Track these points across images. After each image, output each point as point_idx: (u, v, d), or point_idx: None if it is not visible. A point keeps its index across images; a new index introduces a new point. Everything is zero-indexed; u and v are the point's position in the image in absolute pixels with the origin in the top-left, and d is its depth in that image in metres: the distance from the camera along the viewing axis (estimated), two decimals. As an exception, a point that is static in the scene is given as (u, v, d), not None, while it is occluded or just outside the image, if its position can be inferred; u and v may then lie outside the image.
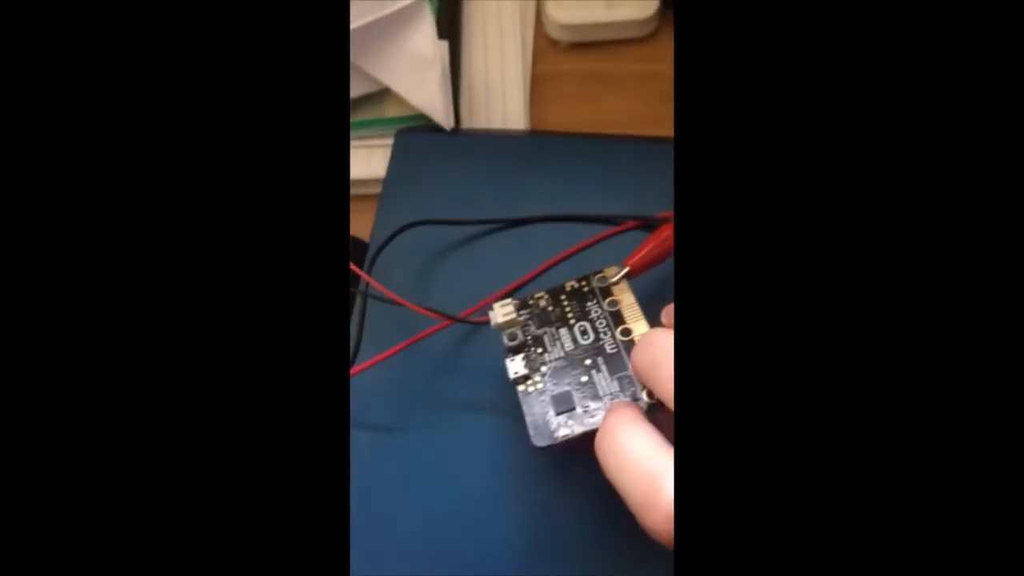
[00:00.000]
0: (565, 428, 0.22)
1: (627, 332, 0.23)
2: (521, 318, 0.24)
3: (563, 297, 0.24)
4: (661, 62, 0.37)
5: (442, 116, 0.32)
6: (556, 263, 0.28)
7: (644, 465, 0.17)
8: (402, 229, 0.28)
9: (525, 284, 0.28)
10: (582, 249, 0.29)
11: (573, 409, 0.22)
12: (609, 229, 0.29)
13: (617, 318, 0.23)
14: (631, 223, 0.29)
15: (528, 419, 0.22)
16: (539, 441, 0.21)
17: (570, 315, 0.24)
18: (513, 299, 0.24)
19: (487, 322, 0.24)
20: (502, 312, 0.24)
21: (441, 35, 0.34)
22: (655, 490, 0.17)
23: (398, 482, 0.26)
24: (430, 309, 0.25)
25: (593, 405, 0.22)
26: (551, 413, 0.22)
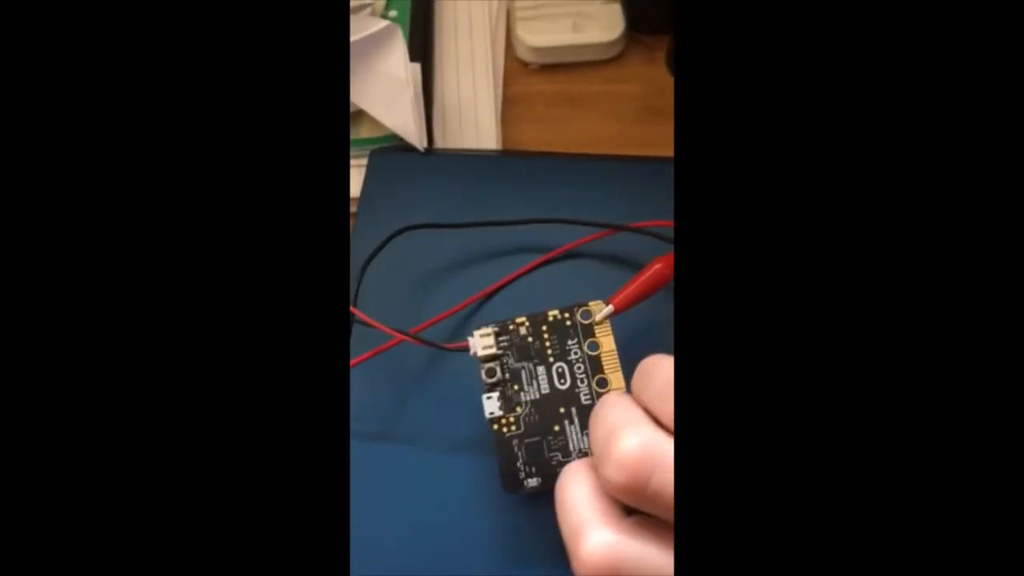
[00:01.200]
0: (533, 480, 0.23)
1: (603, 383, 0.23)
2: (500, 349, 0.24)
3: (544, 328, 0.24)
4: (627, 82, 0.38)
5: (415, 137, 0.32)
6: (541, 264, 0.30)
7: (575, 515, 0.19)
8: (393, 236, 0.29)
9: (509, 283, 0.29)
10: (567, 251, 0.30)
11: (543, 462, 0.23)
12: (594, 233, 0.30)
13: (596, 364, 0.24)
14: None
15: (500, 463, 0.23)
16: (508, 488, 0.23)
17: (550, 352, 0.24)
18: (494, 325, 0.24)
19: (467, 349, 0.24)
20: (482, 344, 0.24)
21: (413, 58, 0.35)
22: (578, 539, 0.18)
23: (379, 491, 0.26)
24: (407, 334, 0.26)
25: (562, 458, 0.23)
26: (521, 462, 0.23)
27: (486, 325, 0.24)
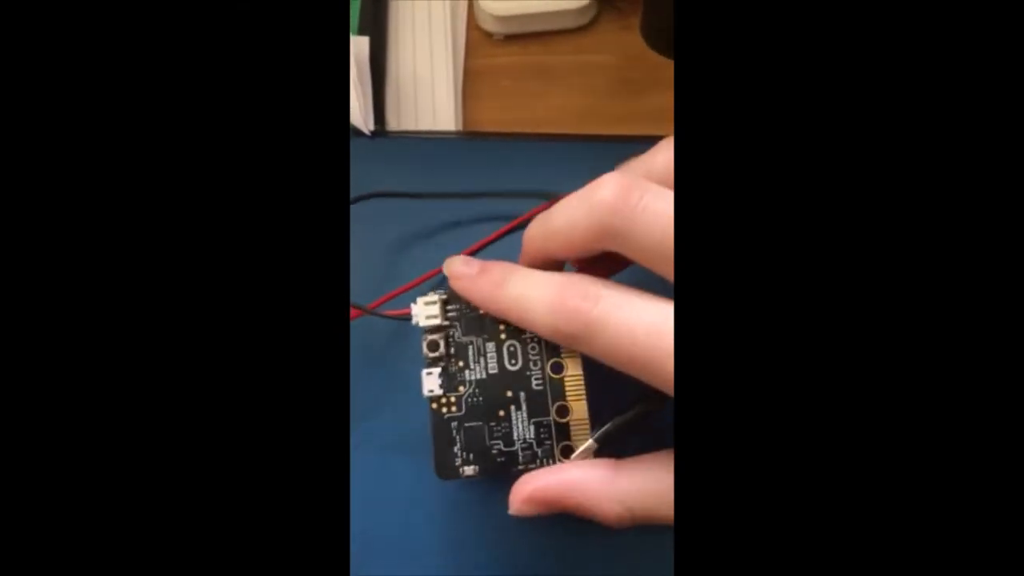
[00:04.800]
0: (470, 468, 0.21)
1: (559, 368, 0.21)
2: (447, 320, 0.21)
3: None
4: (600, 53, 0.35)
5: (359, 119, 0.29)
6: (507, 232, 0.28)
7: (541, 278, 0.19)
8: (358, 199, 0.27)
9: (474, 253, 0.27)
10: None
11: (483, 450, 0.21)
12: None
13: (552, 346, 0.21)
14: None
15: (434, 446, 0.21)
16: (441, 474, 0.21)
17: (502, 328, 0.21)
18: (441, 291, 0.22)
19: (409, 317, 0.22)
20: (426, 313, 0.21)
21: (363, 30, 0.32)
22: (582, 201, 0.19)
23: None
24: (364, 308, 0.24)
25: (504, 448, 0.20)
26: (458, 447, 0.21)
27: (434, 291, 0.22)
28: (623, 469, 0.19)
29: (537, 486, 0.19)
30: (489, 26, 0.35)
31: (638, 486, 0.18)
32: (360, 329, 0.26)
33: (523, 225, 0.27)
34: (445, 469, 0.21)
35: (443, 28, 0.35)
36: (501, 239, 0.28)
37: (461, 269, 0.21)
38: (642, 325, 0.17)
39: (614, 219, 0.17)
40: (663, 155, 0.19)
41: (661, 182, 0.18)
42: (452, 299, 0.21)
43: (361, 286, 0.27)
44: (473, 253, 0.28)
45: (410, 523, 0.24)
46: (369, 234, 0.28)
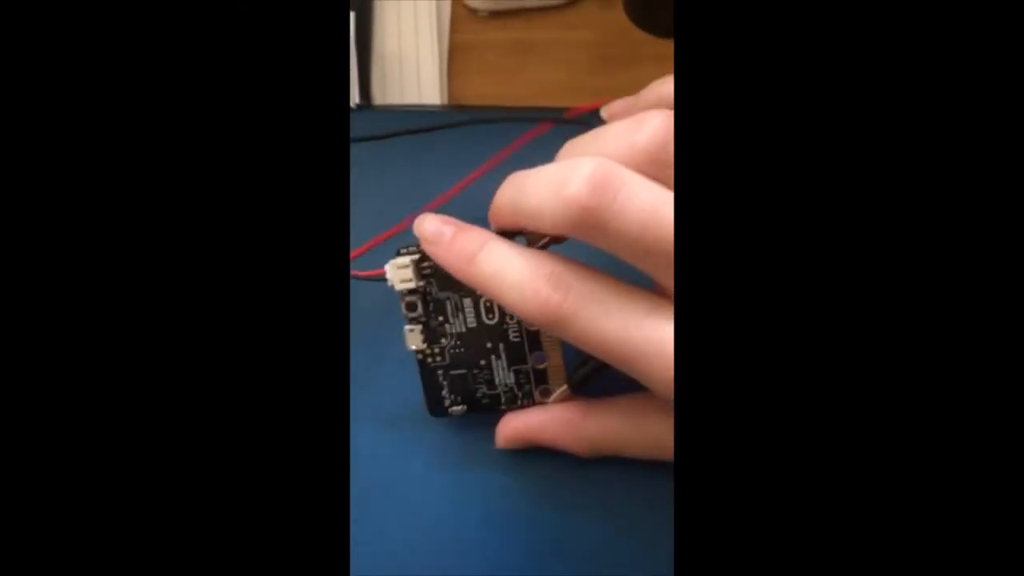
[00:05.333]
0: (458, 408, 0.22)
1: (536, 339, 0.22)
2: (422, 279, 0.21)
3: None
4: (585, 29, 0.35)
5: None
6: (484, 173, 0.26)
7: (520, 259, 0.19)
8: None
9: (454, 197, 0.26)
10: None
11: (469, 392, 0.22)
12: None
13: (533, 337, 0.22)
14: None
15: (424, 390, 0.22)
16: (433, 411, 0.22)
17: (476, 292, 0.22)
18: (412, 250, 0.21)
19: (383, 278, 0.22)
20: (400, 277, 0.21)
21: (349, 6, 0.32)
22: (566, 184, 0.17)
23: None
24: None
25: (488, 391, 0.22)
26: (446, 391, 0.22)
27: (405, 248, 0.21)
28: (591, 412, 0.21)
29: (515, 426, 0.22)
30: (474, 2, 0.35)
31: (603, 428, 0.21)
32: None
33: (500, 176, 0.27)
34: (436, 408, 0.22)
35: (428, 4, 0.35)
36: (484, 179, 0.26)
37: (433, 232, 0.20)
38: (612, 324, 0.17)
39: (586, 217, 0.17)
40: (661, 89, 0.20)
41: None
42: (424, 257, 0.21)
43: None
44: (453, 196, 0.26)
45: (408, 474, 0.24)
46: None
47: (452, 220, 0.20)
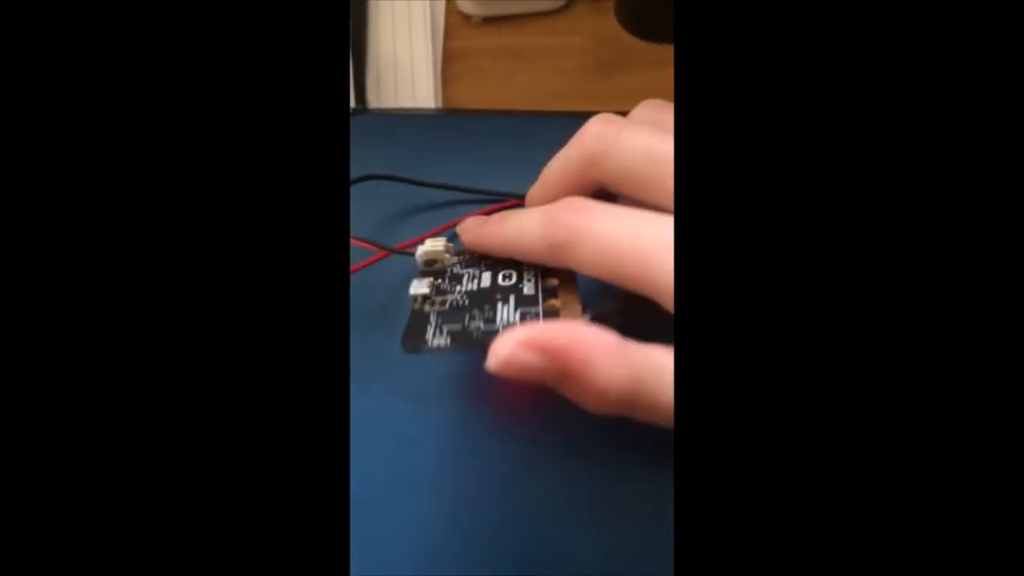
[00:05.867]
0: (440, 339, 0.18)
1: (553, 291, 0.19)
2: (449, 256, 0.21)
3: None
4: (576, 35, 0.36)
5: (342, 96, 0.30)
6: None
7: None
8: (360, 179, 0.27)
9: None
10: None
11: (459, 325, 0.18)
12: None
13: (549, 290, 0.19)
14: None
15: (407, 325, 0.19)
16: (406, 347, 0.18)
17: (500, 266, 0.21)
18: (448, 240, 0.22)
19: (411, 253, 0.21)
20: (431, 244, 0.21)
21: (343, 11, 0.32)
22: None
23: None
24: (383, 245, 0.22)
25: (484, 327, 0.18)
26: (432, 324, 0.18)
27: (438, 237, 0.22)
28: (630, 344, 0.16)
29: (541, 332, 0.16)
30: (467, 8, 0.36)
31: (649, 360, 0.16)
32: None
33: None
34: (412, 341, 0.18)
35: (422, 10, 0.36)
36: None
37: (469, 223, 0.22)
38: (627, 231, 0.17)
39: (597, 144, 0.19)
40: (642, 113, 0.21)
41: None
42: (456, 253, 0.22)
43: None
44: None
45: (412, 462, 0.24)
46: (358, 214, 0.28)
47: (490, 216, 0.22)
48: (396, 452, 0.23)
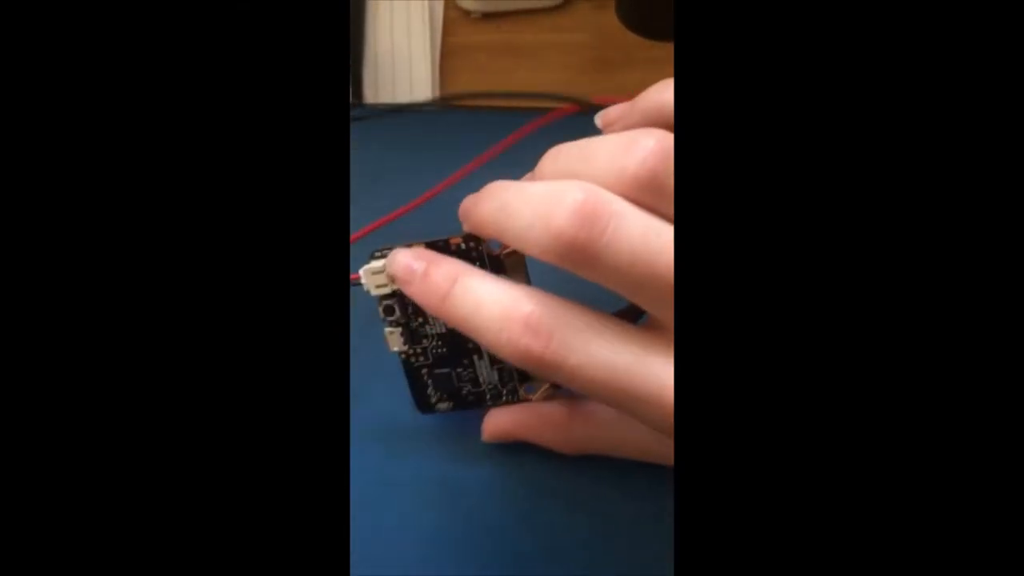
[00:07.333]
0: (444, 404, 0.22)
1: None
2: (396, 286, 0.21)
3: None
4: (577, 31, 0.35)
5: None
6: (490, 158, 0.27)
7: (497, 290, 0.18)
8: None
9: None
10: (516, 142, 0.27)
11: (454, 390, 0.22)
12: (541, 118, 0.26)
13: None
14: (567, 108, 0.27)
15: (411, 387, 0.22)
16: (422, 409, 0.23)
17: None
18: (384, 250, 0.20)
19: (359, 282, 0.21)
20: (374, 282, 0.21)
21: (341, 5, 0.32)
22: (552, 214, 0.16)
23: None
24: None
25: (472, 389, 0.22)
26: (431, 389, 0.22)
27: (379, 252, 0.20)
28: (576, 412, 0.21)
29: (501, 423, 0.22)
30: (467, 4, 0.36)
31: (588, 429, 0.21)
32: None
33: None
34: (424, 405, 0.23)
35: (420, 4, 0.35)
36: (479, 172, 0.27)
37: (404, 270, 0.19)
38: (602, 369, 0.16)
39: (574, 252, 0.16)
40: (659, 97, 0.19)
41: (651, 122, 0.18)
42: None
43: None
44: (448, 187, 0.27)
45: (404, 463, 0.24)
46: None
47: (425, 254, 0.19)
48: (396, 452, 0.23)
